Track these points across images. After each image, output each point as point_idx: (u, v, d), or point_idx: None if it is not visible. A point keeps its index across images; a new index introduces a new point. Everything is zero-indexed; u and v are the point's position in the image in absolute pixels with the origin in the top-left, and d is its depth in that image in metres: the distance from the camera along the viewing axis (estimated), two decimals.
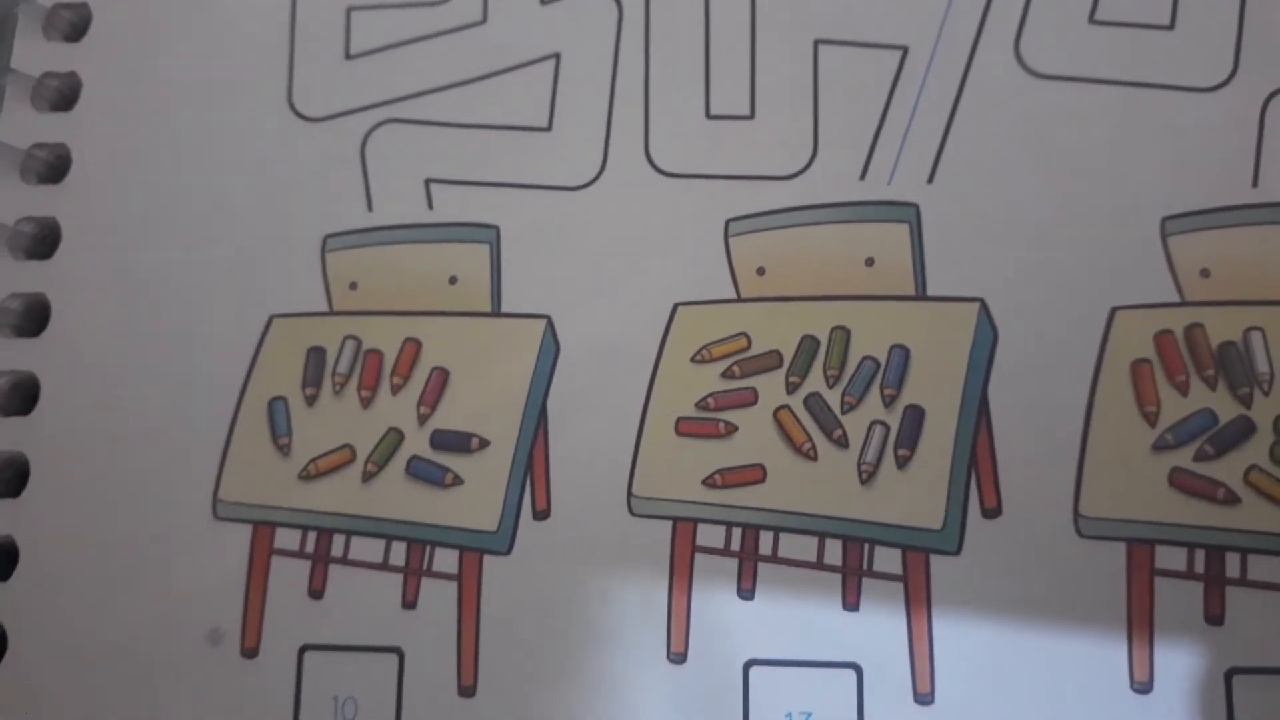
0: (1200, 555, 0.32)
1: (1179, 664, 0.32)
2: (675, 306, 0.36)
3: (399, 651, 0.34)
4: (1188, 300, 0.34)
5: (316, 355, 0.37)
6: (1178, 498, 0.33)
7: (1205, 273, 0.34)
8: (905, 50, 0.36)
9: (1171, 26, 0.36)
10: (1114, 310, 0.34)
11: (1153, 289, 0.34)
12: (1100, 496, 0.33)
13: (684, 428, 0.35)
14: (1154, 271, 0.34)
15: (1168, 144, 0.35)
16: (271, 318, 0.37)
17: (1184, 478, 0.33)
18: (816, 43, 0.37)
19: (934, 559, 0.33)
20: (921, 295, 0.35)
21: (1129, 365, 0.34)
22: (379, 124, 0.38)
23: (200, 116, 0.39)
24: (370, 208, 0.38)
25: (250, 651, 0.35)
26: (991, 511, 0.33)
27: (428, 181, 0.38)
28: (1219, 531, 0.32)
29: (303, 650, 0.35)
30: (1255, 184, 0.35)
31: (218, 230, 0.38)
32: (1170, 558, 0.33)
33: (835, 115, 0.37)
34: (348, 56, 0.39)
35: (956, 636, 0.33)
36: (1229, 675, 0.32)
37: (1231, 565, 0.32)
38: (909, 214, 0.35)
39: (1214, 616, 0.32)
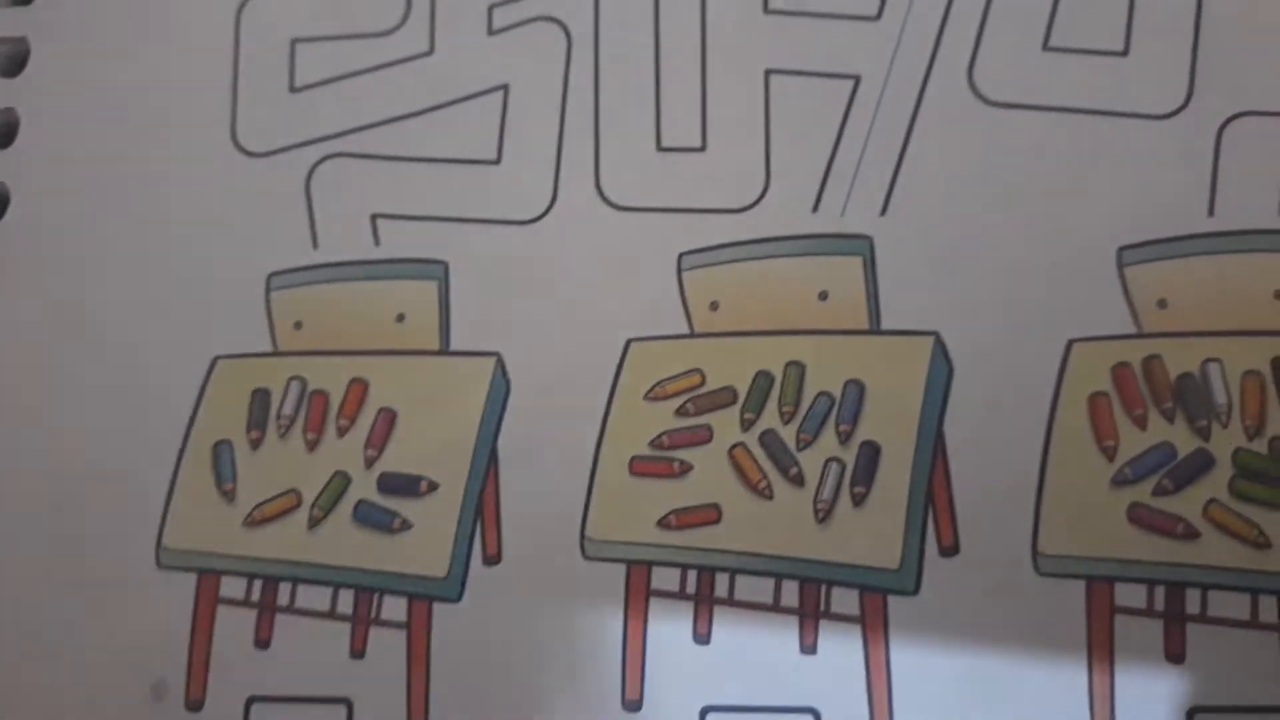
0: (1160, 592, 0.32)
1: (1140, 704, 0.31)
2: (628, 342, 0.35)
3: (348, 702, 0.34)
4: (1145, 332, 0.34)
5: (261, 397, 0.36)
6: (1137, 533, 0.32)
7: (1163, 303, 0.34)
8: (857, 79, 0.36)
9: (1125, 53, 0.36)
10: (1071, 343, 0.34)
11: (1110, 320, 0.34)
12: (1059, 533, 0.33)
13: (637, 467, 0.34)
14: (1111, 303, 0.34)
15: (1123, 172, 0.35)
16: (215, 359, 0.36)
17: (1143, 513, 0.32)
18: (768, 72, 0.36)
19: (891, 599, 0.33)
20: (876, 329, 0.34)
21: (1086, 398, 0.33)
22: (324, 158, 0.38)
23: (141, 152, 0.38)
24: (315, 245, 0.37)
25: (195, 704, 0.34)
26: (949, 549, 0.33)
27: (374, 217, 0.37)
28: (1179, 567, 0.32)
29: (250, 702, 0.34)
30: (1211, 212, 0.34)
31: (160, 269, 0.37)
32: (1130, 595, 0.32)
33: (787, 146, 0.36)
34: (292, 89, 0.38)
35: (915, 679, 0.32)
36: (1190, 714, 0.31)
37: (1192, 602, 0.32)
38: (862, 247, 0.35)
39: (1175, 654, 0.32)
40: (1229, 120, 0.35)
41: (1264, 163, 0.34)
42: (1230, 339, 0.33)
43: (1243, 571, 0.32)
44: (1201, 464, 0.33)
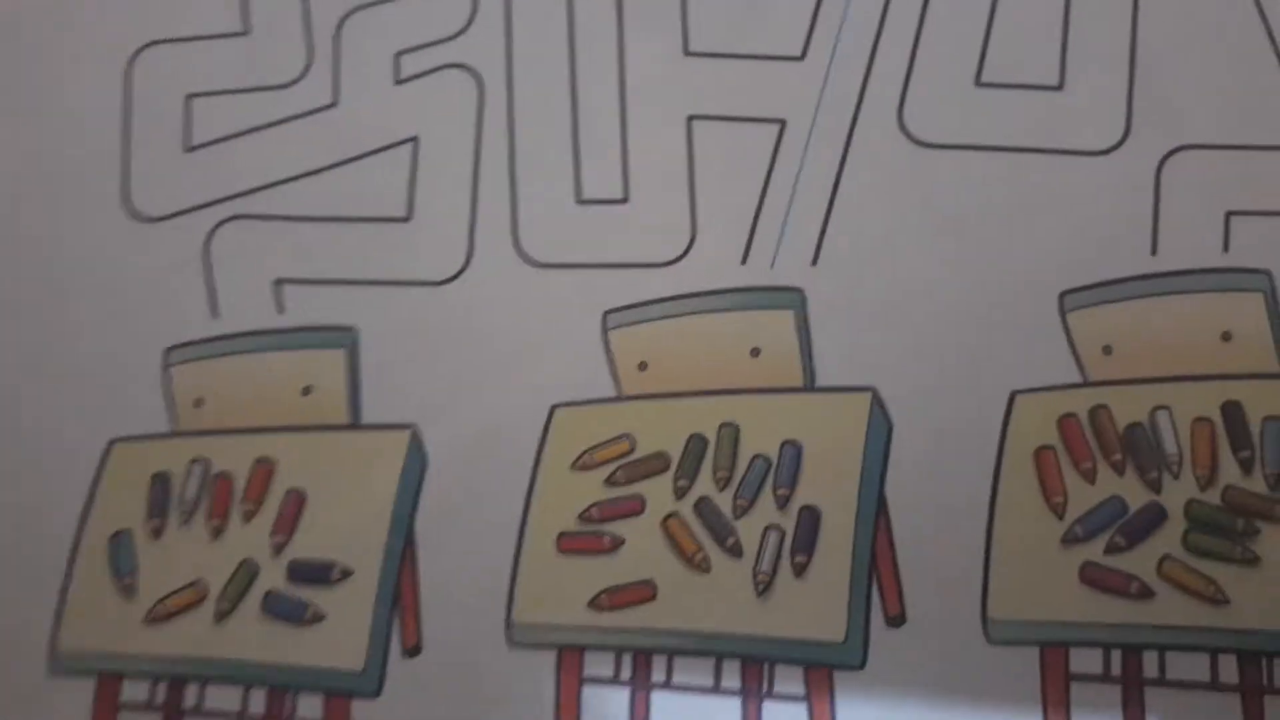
0: (1116, 656, 0.31)
1: None
2: (552, 408, 0.33)
3: None
4: (1091, 380, 0.32)
5: (161, 482, 0.34)
6: (1090, 595, 0.31)
7: (1108, 350, 0.32)
8: (783, 124, 0.34)
9: (1060, 87, 0.34)
10: (1014, 394, 0.32)
11: (1054, 369, 0.32)
12: (1009, 597, 0.31)
13: (566, 544, 0.32)
14: (1054, 350, 0.32)
15: (1062, 212, 0.33)
16: (111, 442, 0.34)
17: (1095, 572, 0.31)
18: (690, 118, 0.35)
19: (837, 675, 0.31)
20: (811, 386, 0.33)
21: (1032, 453, 0.32)
22: (224, 221, 0.35)
23: (28, 219, 0.36)
24: (216, 314, 0.35)
25: None
26: (895, 619, 0.31)
27: (277, 282, 0.35)
28: (1135, 629, 0.31)
29: None
30: (1154, 251, 0.33)
31: (49, 346, 0.35)
32: (1085, 660, 0.31)
33: (713, 195, 0.34)
34: (188, 148, 0.36)
35: None
36: None
37: (1149, 665, 0.30)
38: (794, 299, 0.33)
39: None
40: (1169, 154, 0.33)
41: (1206, 198, 0.33)
42: (1178, 385, 0.32)
43: (1201, 630, 0.30)
44: (1154, 518, 0.31)
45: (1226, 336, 0.32)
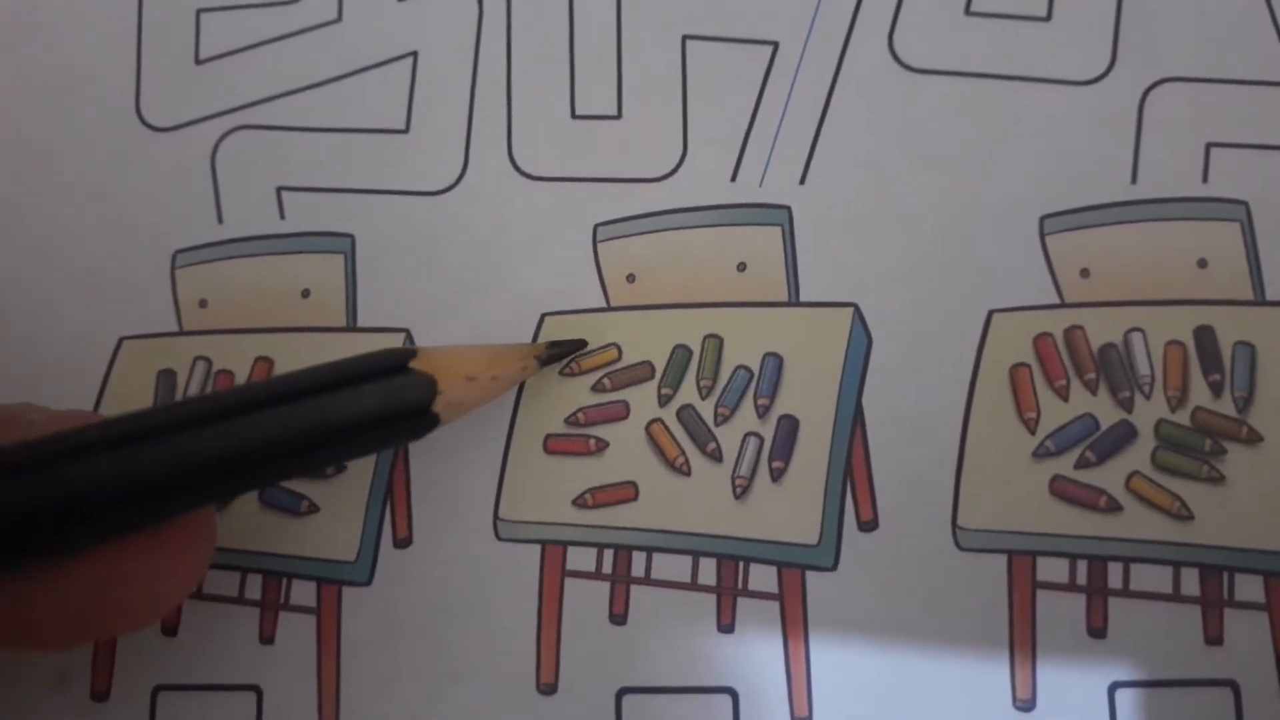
0: (1082, 566, 0.31)
1: (1062, 679, 0.31)
2: (542, 317, 0.34)
3: (257, 689, 0.33)
4: (1067, 301, 0.33)
5: (167, 378, 0.35)
6: (1059, 507, 0.32)
7: (1085, 273, 0.33)
8: (776, 46, 0.35)
9: (1048, 18, 0.35)
10: (991, 313, 0.33)
11: (1032, 290, 0.33)
12: (979, 507, 0.32)
13: (552, 445, 0.33)
14: (1033, 272, 0.33)
15: (1045, 140, 0.34)
16: (121, 339, 0.35)
17: (1065, 486, 0.32)
18: (684, 38, 0.35)
19: (810, 575, 0.32)
20: (794, 301, 0.34)
21: (1008, 370, 0.33)
22: (230, 131, 0.36)
23: (42, 127, 0.37)
24: (220, 220, 0.36)
25: (101, 695, 0.33)
26: (868, 525, 0.32)
27: (279, 190, 0.36)
28: (1101, 541, 0.31)
29: (156, 691, 0.33)
30: (1134, 180, 0.34)
31: (62, 249, 0.36)
32: (1052, 569, 0.32)
33: (705, 114, 0.35)
34: (197, 61, 0.37)
35: (834, 656, 0.32)
36: (1112, 689, 0.31)
37: (1114, 576, 0.31)
38: (781, 217, 0.34)
39: (1096, 629, 0.31)
40: (1152, 87, 0.34)
41: (1187, 130, 0.34)
42: (1153, 308, 0.33)
43: (1165, 544, 0.31)
44: (1124, 436, 0.32)
45: (1202, 263, 0.33)
